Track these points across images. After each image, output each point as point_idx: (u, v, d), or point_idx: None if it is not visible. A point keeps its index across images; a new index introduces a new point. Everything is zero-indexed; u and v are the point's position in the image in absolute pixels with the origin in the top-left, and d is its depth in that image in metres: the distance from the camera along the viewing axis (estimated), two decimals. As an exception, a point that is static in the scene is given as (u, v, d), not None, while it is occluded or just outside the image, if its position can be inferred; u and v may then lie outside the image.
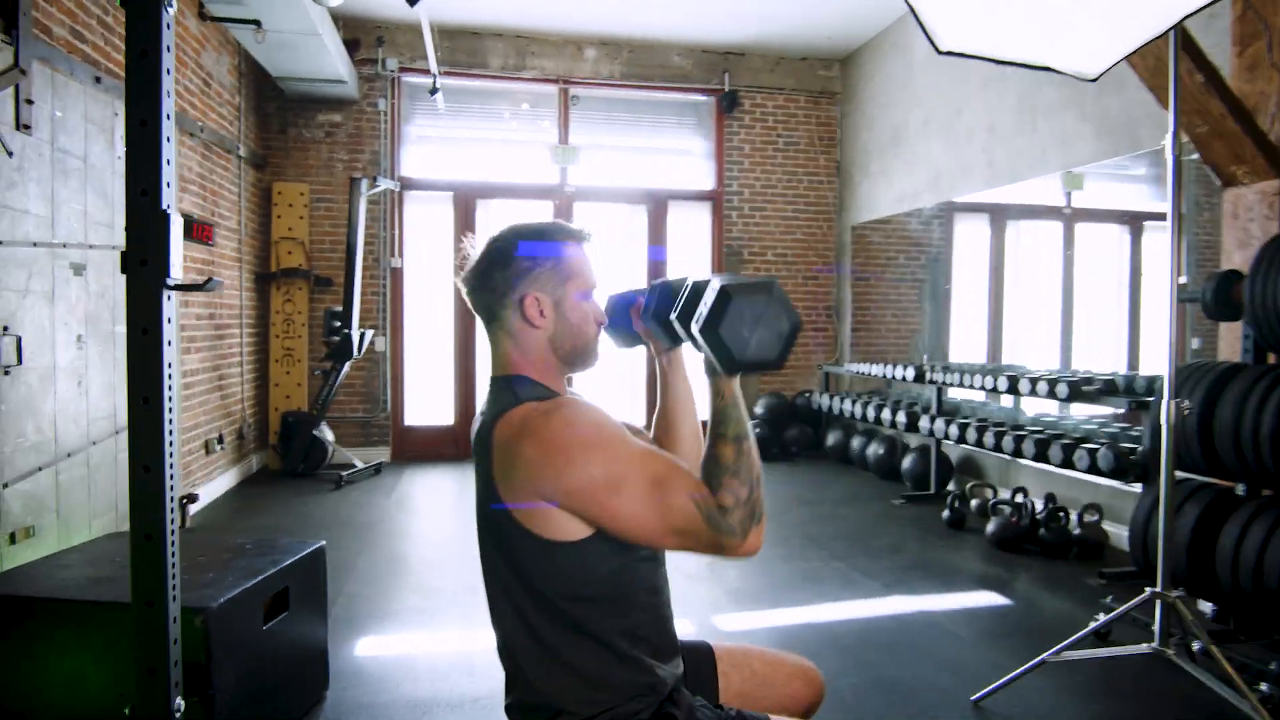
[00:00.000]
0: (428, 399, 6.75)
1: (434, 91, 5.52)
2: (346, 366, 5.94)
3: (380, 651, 2.98)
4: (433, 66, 5.35)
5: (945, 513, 4.65)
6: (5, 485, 2.99)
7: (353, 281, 5.89)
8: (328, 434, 6.05)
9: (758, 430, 6.61)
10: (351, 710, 2.56)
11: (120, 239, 3.77)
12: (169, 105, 1.85)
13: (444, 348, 6.72)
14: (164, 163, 1.84)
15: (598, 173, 6.85)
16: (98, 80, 3.60)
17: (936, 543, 4.35)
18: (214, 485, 5.24)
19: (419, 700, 2.59)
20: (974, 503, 4.77)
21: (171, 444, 1.83)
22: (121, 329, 3.88)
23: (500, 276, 1.31)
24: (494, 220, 6.72)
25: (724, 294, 1.16)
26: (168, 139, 1.84)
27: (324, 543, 2.67)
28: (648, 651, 1.30)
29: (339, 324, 5.90)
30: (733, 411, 1.19)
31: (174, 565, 1.91)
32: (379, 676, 2.77)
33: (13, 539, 3.02)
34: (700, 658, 1.56)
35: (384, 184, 6.03)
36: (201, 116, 5.00)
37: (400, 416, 6.69)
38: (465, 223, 6.68)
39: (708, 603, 3.45)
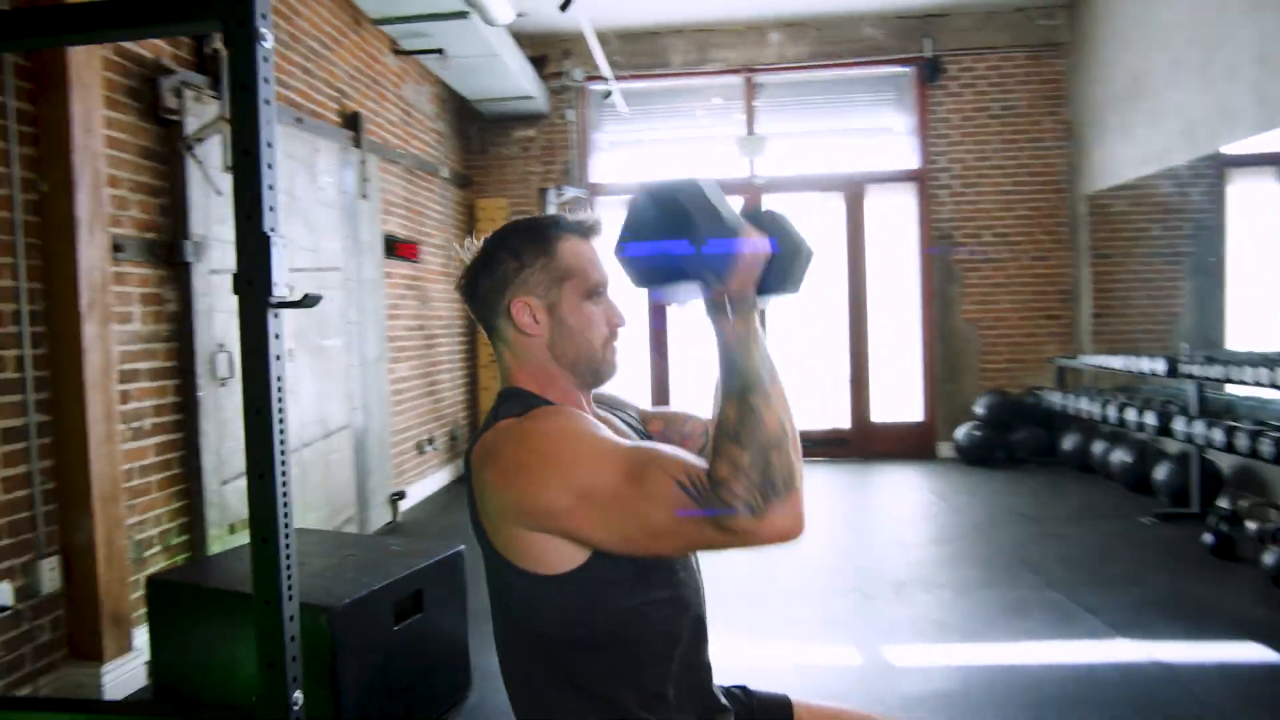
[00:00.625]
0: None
1: (606, 96, 5.56)
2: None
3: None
4: (605, 71, 5.39)
5: (1208, 537, 3.77)
6: (224, 482, 3.40)
7: (545, 289, 6.10)
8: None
9: (976, 432, 5.90)
10: (492, 713, 2.57)
11: (323, 261, 4.17)
12: (269, 134, 1.91)
13: (640, 352, 6.76)
14: (264, 189, 1.91)
15: (788, 161, 6.52)
16: (299, 121, 4.01)
17: (1192, 575, 3.54)
18: (426, 484, 5.68)
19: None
20: (1250, 526, 3.83)
21: (283, 453, 1.91)
22: (328, 342, 4.30)
23: (487, 282, 1.16)
24: (681, 220, 6.65)
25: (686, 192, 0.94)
26: (269, 166, 1.91)
27: (461, 548, 2.70)
28: (664, 713, 1.09)
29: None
30: (737, 357, 0.94)
31: (289, 566, 1.97)
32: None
33: (232, 529, 3.42)
34: (772, 717, 1.30)
35: (571, 192, 6.19)
36: (404, 144, 5.43)
37: (598, 419, 6.82)
38: (654, 225, 6.66)
39: (881, 630, 3.07)
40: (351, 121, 4.62)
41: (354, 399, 4.56)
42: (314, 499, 4.10)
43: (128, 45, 2.94)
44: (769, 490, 0.89)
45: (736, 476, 0.89)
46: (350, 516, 4.49)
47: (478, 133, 6.70)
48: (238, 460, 3.47)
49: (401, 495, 5.05)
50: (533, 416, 1.05)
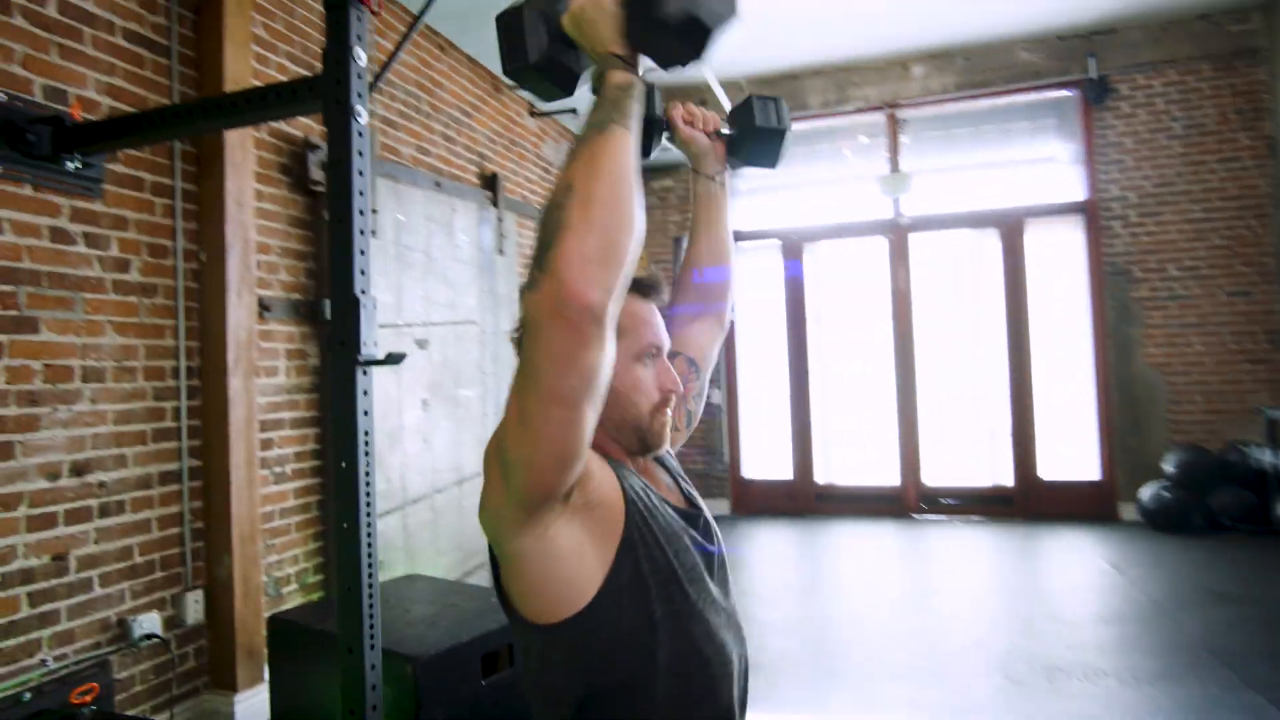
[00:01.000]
0: (766, 452, 6.63)
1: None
2: (678, 419, 6.12)
3: None
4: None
5: None
6: (357, 526, 3.60)
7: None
8: (665, 485, 6.27)
9: (1165, 493, 5.16)
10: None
11: (460, 315, 4.40)
12: (361, 203, 2.05)
13: (779, 399, 6.56)
14: (356, 253, 2.04)
15: (935, 199, 6.16)
16: (438, 185, 4.29)
17: None
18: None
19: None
20: None
21: (369, 505, 1.98)
22: (464, 392, 4.50)
23: None
24: (821, 265, 6.45)
25: None
26: (360, 232, 2.04)
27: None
28: None
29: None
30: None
31: (372, 616, 2.04)
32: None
33: (363, 571, 3.61)
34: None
35: (705, 240, 6.18)
36: (542, 200, 5.67)
37: (738, 469, 6.66)
38: (793, 270, 6.50)
39: (1024, 722, 2.69)
40: (490, 182, 4.89)
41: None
42: (445, 544, 4.26)
43: (279, 125, 3.28)
44: (540, 254, 0.83)
45: (530, 263, 0.87)
46: (483, 563, 4.62)
47: (617, 186, 6.88)
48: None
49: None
50: None
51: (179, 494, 2.77)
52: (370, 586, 1.99)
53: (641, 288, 1.14)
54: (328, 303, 3.44)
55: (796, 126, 6.01)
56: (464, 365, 4.51)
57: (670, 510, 1.09)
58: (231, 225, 2.88)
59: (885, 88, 6.17)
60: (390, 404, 3.87)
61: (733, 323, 1.32)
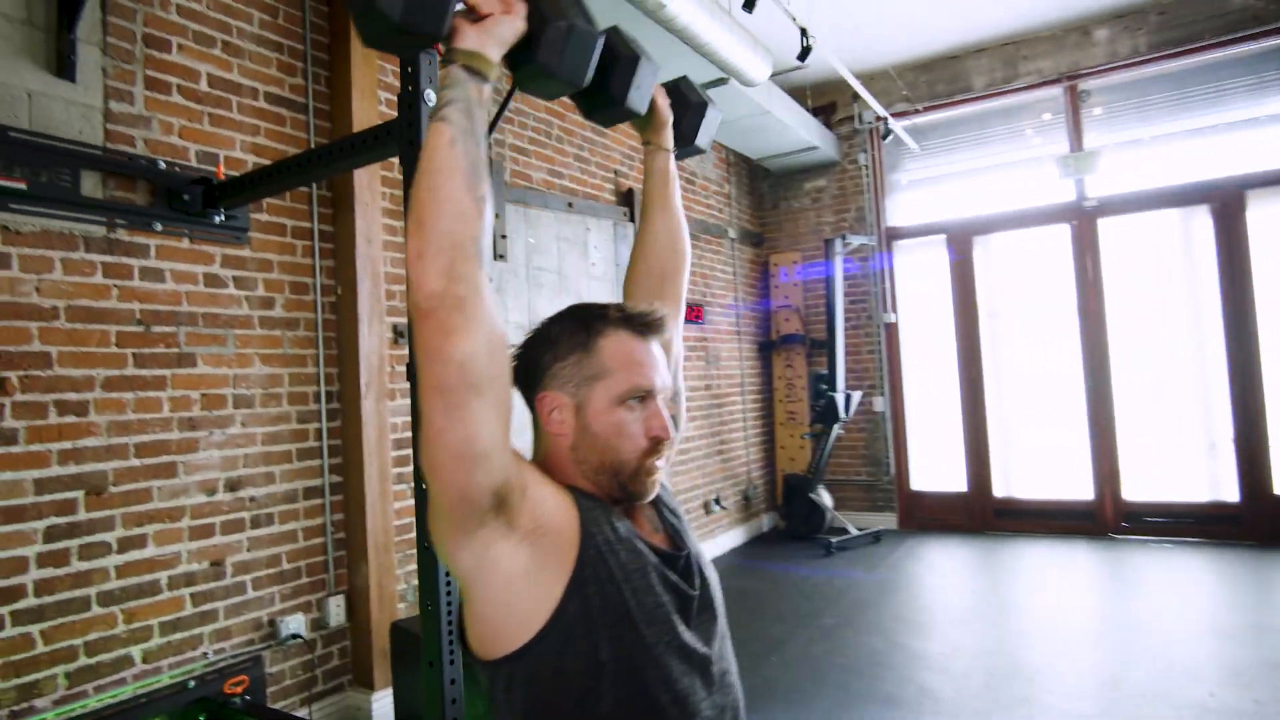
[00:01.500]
0: (937, 462, 6.16)
1: (886, 136, 5.18)
2: (836, 429, 5.85)
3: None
4: (877, 108, 5.04)
5: None
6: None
7: (835, 343, 5.83)
8: (825, 497, 6.02)
9: None
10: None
11: (595, 331, 4.49)
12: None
13: (951, 405, 6.06)
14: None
15: (1128, 177, 5.41)
16: (570, 206, 4.42)
17: None
18: (713, 544, 5.69)
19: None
20: None
21: (447, 523, 2.07)
22: (602, 406, 4.58)
23: (526, 370, 1.10)
24: (994, 259, 5.89)
25: None
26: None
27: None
28: None
29: (824, 386, 5.88)
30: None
31: (450, 631, 2.13)
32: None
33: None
34: None
35: (856, 240, 5.86)
36: (686, 213, 5.64)
37: (905, 480, 6.24)
38: (962, 265, 5.99)
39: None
40: (626, 198, 4.96)
41: (630, 459, 4.78)
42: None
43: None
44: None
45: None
46: (626, 572, 4.68)
47: (769, 189, 6.72)
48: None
49: (682, 554, 5.12)
50: None
51: (322, 507, 3.06)
52: (449, 603, 2.06)
53: (634, 324, 1.08)
54: (459, 326, 3.64)
55: (961, 111, 5.57)
56: (602, 380, 4.59)
57: (643, 547, 1.03)
58: (361, 260, 3.13)
59: (1062, 58, 5.52)
60: (525, 420, 4.01)
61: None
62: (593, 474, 1.04)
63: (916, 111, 5.98)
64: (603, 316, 1.07)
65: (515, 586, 0.93)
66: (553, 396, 1.05)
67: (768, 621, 4.18)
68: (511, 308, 3.97)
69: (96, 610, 2.37)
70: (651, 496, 1.07)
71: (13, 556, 2.21)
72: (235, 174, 2.73)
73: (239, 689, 2.61)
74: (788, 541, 5.96)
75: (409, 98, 2.17)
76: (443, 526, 0.90)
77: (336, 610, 3.05)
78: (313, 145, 3.09)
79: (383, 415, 3.19)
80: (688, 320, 5.52)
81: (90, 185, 2.41)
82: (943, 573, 5.08)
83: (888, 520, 6.16)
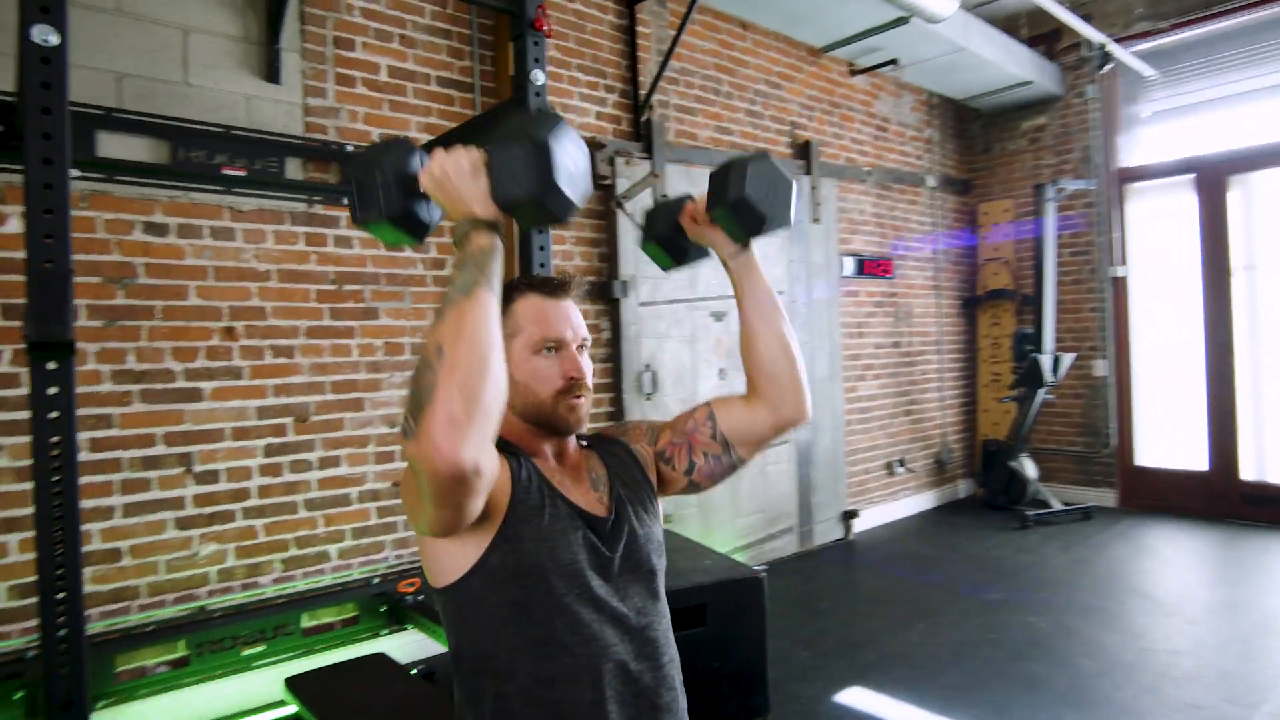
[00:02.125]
0: (1170, 436, 5.41)
1: (1102, 65, 4.55)
2: (1041, 394, 5.36)
3: (862, 704, 2.79)
4: (1091, 35, 4.41)
5: None
6: (648, 481, 4.03)
7: (1044, 299, 5.30)
8: (1028, 467, 5.56)
9: None
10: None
11: (761, 286, 4.51)
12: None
13: (1190, 373, 5.28)
14: (534, 250, 2.38)
15: None
16: (737, 161, 4.44)
17: None
18: (894, 506, 5.52)
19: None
20: None
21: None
22: (768, 361, 4.62)
23: None
24: (1254, 202, 4.98)
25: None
26: (539, 231, 2.37)
27: (763, 573, 2.72)
28: None
29: (1029, 347, 5.38)
30: (451, 281, 1.00)
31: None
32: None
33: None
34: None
35: (1073, 185, 5.23)
36: (874, 162, 5.40)
37: (1129, 454, 5.56)
38: (1212, 210, 5.12)
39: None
40: (802, 150, 4.86)
41: (798, 415, 4.77)
42: (745, 506, 4.47)
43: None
44: (414, 410, 0.91)
45: (408, 397, 0.94)
46: (789, 527, 4.74)
47: (980, 131, 6.16)
48: (661, 463, 4.06)
49: (854, 514, 5.05)
50: None
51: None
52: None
53: (547, 287, 1.23)
54: (616, 283, 3.88)
55: (1220, 25, 4.83)
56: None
57: (567, 508, 1.16)
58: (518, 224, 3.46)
59: (1364, -55, 4.44)
60: (684, 372, 4.20)
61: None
62: (523, 414, 1.19)
63: (1160, 31, 5.14)
64: (517, 285, 1.22)
65: (454, 540, 1.10)
66: None
67: (926, 588, 4.05)
68: (671, 265, 4.12)
69: (302, 514, 2.96)
70: (578, 430, 1.21)
71: (242, 466, 2.83)
72: (408, 152, 3.15)
73: (411, 589, 3.11)
74: (983, 511, 5.61)
75: (519, 78, 2.37)
76: (421, 522, 1.05)
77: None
78: (479, 121, 3.45)
79: (539, 364, 3.53)
80: (872, 274, 5.33)
81: (293, 169, 2.94)
82: (1159, 560, 4.52)
83: (1104, 497, 5.55)
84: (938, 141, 5.94)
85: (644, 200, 3.98)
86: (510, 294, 1.22)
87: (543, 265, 2.39)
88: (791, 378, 1.28)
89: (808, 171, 4.85)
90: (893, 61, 4.91)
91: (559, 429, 1.20)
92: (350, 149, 3.06)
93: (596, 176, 3.85)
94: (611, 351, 3.95)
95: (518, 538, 1.10)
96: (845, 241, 5.18)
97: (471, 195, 1.04)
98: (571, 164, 1.04)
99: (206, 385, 2.76)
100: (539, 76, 2.34)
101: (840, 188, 5.13)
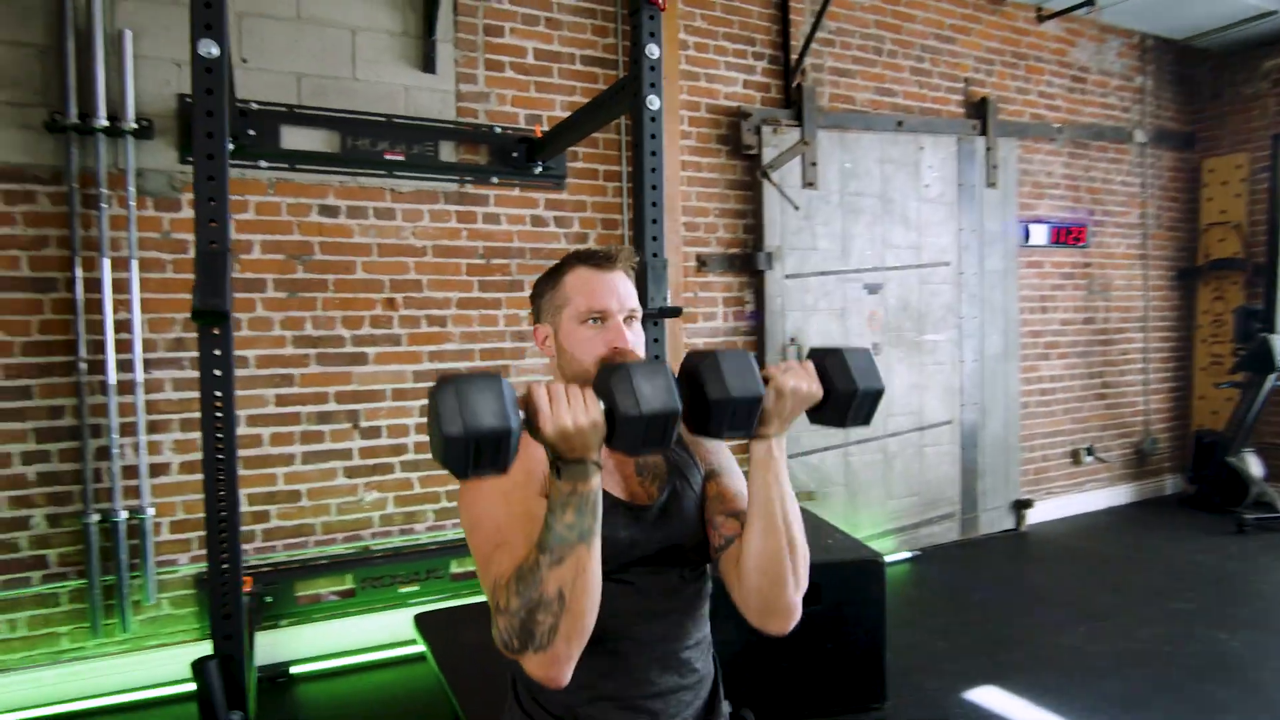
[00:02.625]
0: None
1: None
2: (1270, 380, 4.62)
3: (993, 704, 2.63)
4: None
5: None
6: (790, 456, 3.98)
7: (1277, 269, 4.54)
8: (1252, 464, 4.82)
9: None
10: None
11: (926, 258, 4.28)
12: (654, 179, 2.42)
13: None
14: (648, 223, 2.45)
15: None
16: (899, 124, 4.19)
17: None
18: (1080, 498, 5.02)
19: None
20: None
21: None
22: (931, 337, 4.36)
23: (533, 310, 1.38)
24: None
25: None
26: (653, 204, 2.44)
27: (881, 557, 2.62)
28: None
29: (1258, 325, 4.64)
30: (550, 514, 1.01)
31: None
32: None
33: (810, 496, 3.97)
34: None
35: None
36: (1067, 118, 4.85)
37: (1393, 456, 4.66)
38: None
39: None
40: (977, 109, 4.47)
41: (964, 395, 4.47)
42: (898, 488, 4.28)
43: (716, 101, 3.77)
44: (526, 638, 1.00)
45: (501, 613, 1.02)
46: (950, 513, 4.46)
47: (1208, 76, 5.32)
48: (804, 439, 3.99)
49: (1027, 503, 4.66)
50: None
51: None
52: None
53: (594, 259, 1.28)
54: (761, 254, 3.84)
55: None
56: (930, 309, 4.35)
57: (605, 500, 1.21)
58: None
59: None
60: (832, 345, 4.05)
61: None
62: (570, 381, 1.23)
63: None
64: (571, 257, 1.27)
65: None
66: (541, 327, 1.28)
67: (1100, 590, 3.67)
68: (820, 235, 3.99)
69: (398, 475, 3.21)
70: None
71: (400, 424, 3.15)
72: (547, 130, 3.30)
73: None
74: (1191, 511, 4.96)
75: (635, 53, 2.40)
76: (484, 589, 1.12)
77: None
78: (622, 97, 3.51)
79: (678, 336, 3.58)
80: (1061, 242, 4.84)
81: (446, 152, 3.18)
82: None
83: (1358, 503, 4.69)
84: (1151, 90, 5.21)
85: (793, 168, 3.87)
86: (561, 267, 1.29)
87: (655, 239, 2.42)
88: (778, 603, 1.13)
89: (983, 131, 4.46)
90: (1089, 2, 4.37)
91: None
92: (498, 130, 3.25)
93: (742, 147, 3.80)
94: (755, 324, 3.91)
95: None
96: (1028, 207, 4.72)
97: (591, 444, 0.99)
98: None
99: (370, 350, 3.08)
100: (654, 51, 2.35)
101: (1024, 148, 4.67)
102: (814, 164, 3.94)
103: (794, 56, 3.89)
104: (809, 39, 3.78)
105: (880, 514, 4.23)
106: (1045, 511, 4.81)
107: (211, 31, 1.85)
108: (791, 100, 3.92)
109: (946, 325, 4.42)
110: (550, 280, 1.29)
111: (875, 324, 4.21)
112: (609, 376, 0.99)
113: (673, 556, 1.24)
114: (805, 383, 1.12)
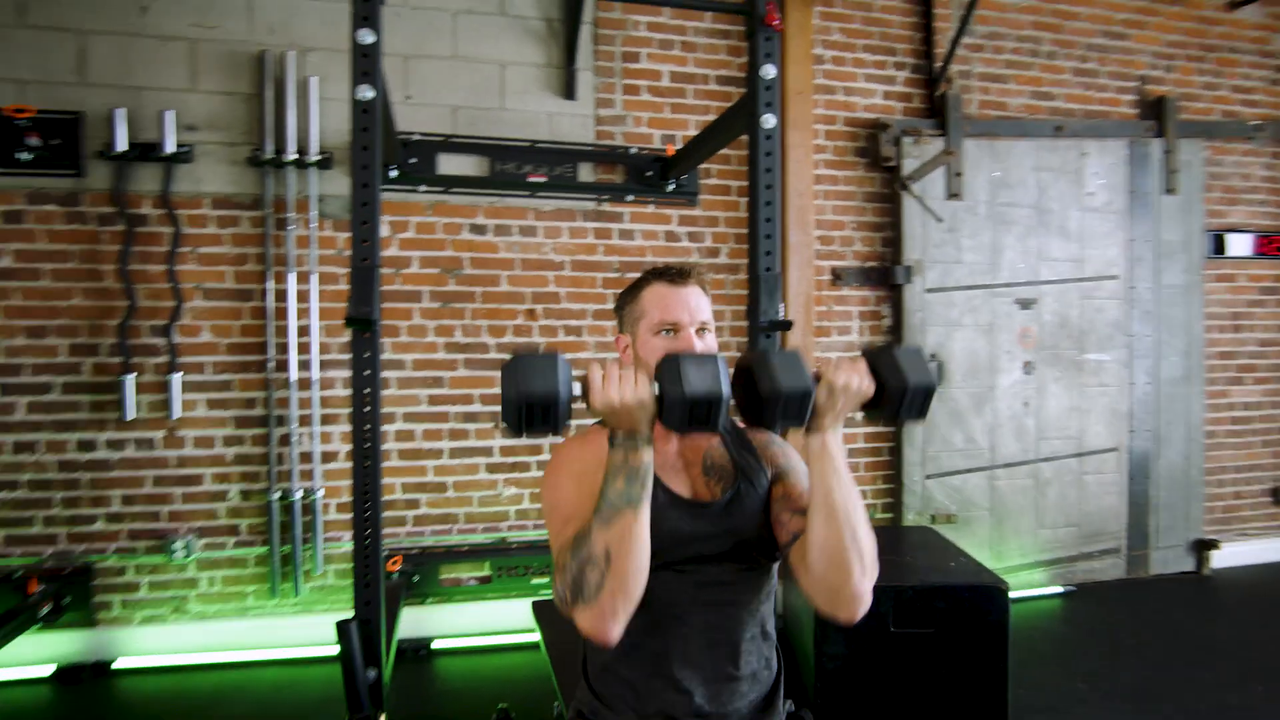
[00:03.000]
0: None
1: None
2: None
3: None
4: None
5: None
6: (928, 477, 3.83)
7: None
8: None
9: None
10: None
11: (1089, 271, 4.01)
12: (768, 195, 2.48)
13: None
14: (761, 238, 2.52)
15: None
16: (1058, 130, 3.94)
17: None
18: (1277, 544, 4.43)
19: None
20: None
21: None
22: (1093, 356, 4.05)
23: (617, 320, 1.52)
24: None
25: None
26: (767, 220, 2.49)
27: (1005, 583, 2.50)
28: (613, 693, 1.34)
29: None
30: (605, 480, 1.14)
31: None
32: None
33: (933, 520, 3.82)
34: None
35: None
36: (1269, 114, 4.33)
37: None
38: None
39: None
40: (1153, 109, 4.11)
41: (1134, 421, 4.10)
42: (1052, 517, 3.99)
43: (855, 114, 3.74)
44: (577, 592, 1.13)
45: (559, 572, 1.17)
46: (1114, 548, 4.10)
47: None
48: (944, 460, 3.84)
49: (1211, 544, 4.18)
50: (576, 435, 1.41)
51: (753, 423, 3.63)
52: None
53: (668, 275, 1.38)
54: (899, 268, 3.76)
55: None
56: (1094, 326, 4.03)
57: (664, 494, 1.31)
58: (791, 211, 3.53)
59: None
60: (979, 364, 3.88)
61: None
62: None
63: None
64: (646, 275, 1.39)
65: None
66: (622, 337, 1.41)
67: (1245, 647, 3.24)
68: (966, 248, 3.83)
69: (534, 474, 3.40)
70: None
71: (537, 426, 3.37)
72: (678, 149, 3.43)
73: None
74: None
75: (751, 74, 2.48)
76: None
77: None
78: (756, 114, 3.58)
79: (809, 350, 3.57)
80: (1263, 253, 4.33)
81: (585, 172, 3.39)
82: None
83: None
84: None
85: (935, 179, 3.76)
86: (640, 283, 1.41)
87: (769, 254, 2.47)
88: (843, 590, 1.18)
89: (1160, 133, 4.09)
90: (1292, -15, 3.90)
91: None
92: (633, 151, 3.42)
93: (881, 159, 3.74)
94: (893, 339, 3.82)
95: None
96: (1217, 214, 4.27)
97: (642, 419, 1.11)
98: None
99: (511, 357, 3.34)
100: (769, 71, 2.41)
101: (1212, 149, 4.23)
102: (959, 174, 3.79)
103: (938, 64, 3.78)
104: (954, 45, 3.66)
105: (1031, 543, 3.96)
106: (1235, 555, 4.28)
107: (368, 78, 2.13)
108: (935, 109, 3.80)
109: (1113, 344, 4.08)
110: (630, 294, 1.41)
111: (1028, 341, 3.97)
112: (663, 362, 1.12)
113: (733, 552, 1.32)
114: (857, 379, 1.17)
